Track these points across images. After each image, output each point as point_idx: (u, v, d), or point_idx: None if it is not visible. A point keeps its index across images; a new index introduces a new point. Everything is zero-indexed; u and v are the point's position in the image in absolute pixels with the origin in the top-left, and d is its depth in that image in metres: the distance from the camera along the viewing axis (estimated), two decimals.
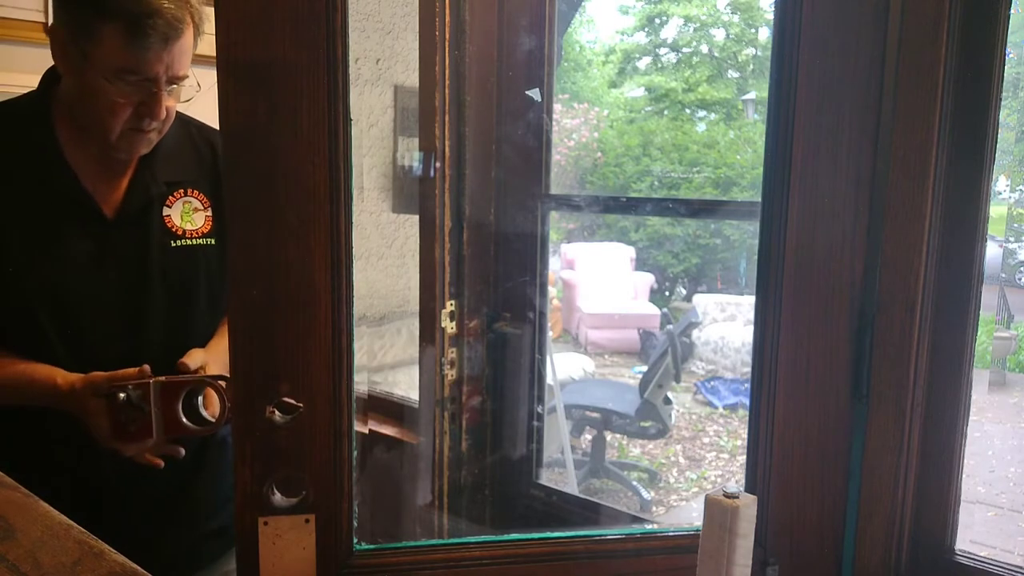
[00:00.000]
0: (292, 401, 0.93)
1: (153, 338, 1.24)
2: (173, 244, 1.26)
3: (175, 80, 1.16)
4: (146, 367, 1.12)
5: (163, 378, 1.09)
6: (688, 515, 4.25)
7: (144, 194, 1.24)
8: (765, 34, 10.44)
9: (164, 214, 1.26)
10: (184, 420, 0.99)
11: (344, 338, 0.93)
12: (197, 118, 1.34)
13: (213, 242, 1.29)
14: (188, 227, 1.27)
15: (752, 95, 9.97)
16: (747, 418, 1.05)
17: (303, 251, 0.91)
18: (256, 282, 0.90)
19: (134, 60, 1.11)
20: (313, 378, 0.93)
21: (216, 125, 0.91)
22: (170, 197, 1.27)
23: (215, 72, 0.88)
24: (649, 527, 1.29)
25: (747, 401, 1.06)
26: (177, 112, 1.25)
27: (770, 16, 1.01)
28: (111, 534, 0.76)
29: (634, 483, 4.37)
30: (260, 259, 0.90)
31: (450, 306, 1.60)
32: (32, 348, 1.18)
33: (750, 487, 1.04)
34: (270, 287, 0.91)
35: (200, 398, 1.14)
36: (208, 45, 0.93)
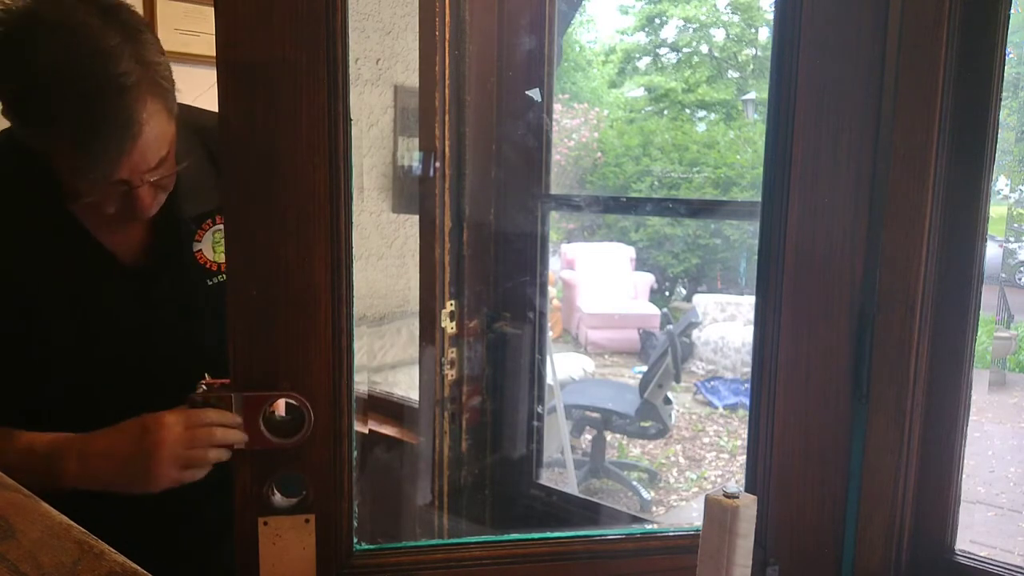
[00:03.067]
0: (292, 401, 0.93)
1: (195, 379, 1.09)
2: (210, 282, 1.14)
3: (151, 172, 1.02)
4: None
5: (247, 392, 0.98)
6: (688, 515, 4.25)
7: (171, 238, 1.12)
8: (765, 34, 10.43)
9: (195, 250, 1.14)
10: (266, 433, 0.95)
11: (344, 338, 0.93)
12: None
13: None
14: (222, 260, 1.13)
15: (752, 95, 9.97)
16: (747, 418, 1.05)
17: (303, 251, 0.91)
18: (255, 282, 0.90)
19: (93, 172, 0.98)
20: (313, 378, 0.93)
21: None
22: (199, 231, 1.14)
23: (215, 72, 0.88)
24: (649, 527, 1.29)
25: (747, 401, 1.06)
26: (191, 119, 1.11)
27: (770, 16, 1.01)
28: (113, 534, 0.76)
29: (634, 483, 4.37)
30: (260, 259, 0.90)
31: (450, 306, 1.60)
32: (24, 420, 1.04)
33: (750, 487, 1.04)
34: (270, 287, 0.91)
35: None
36: (208, 45, 0.92)
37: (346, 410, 0.94)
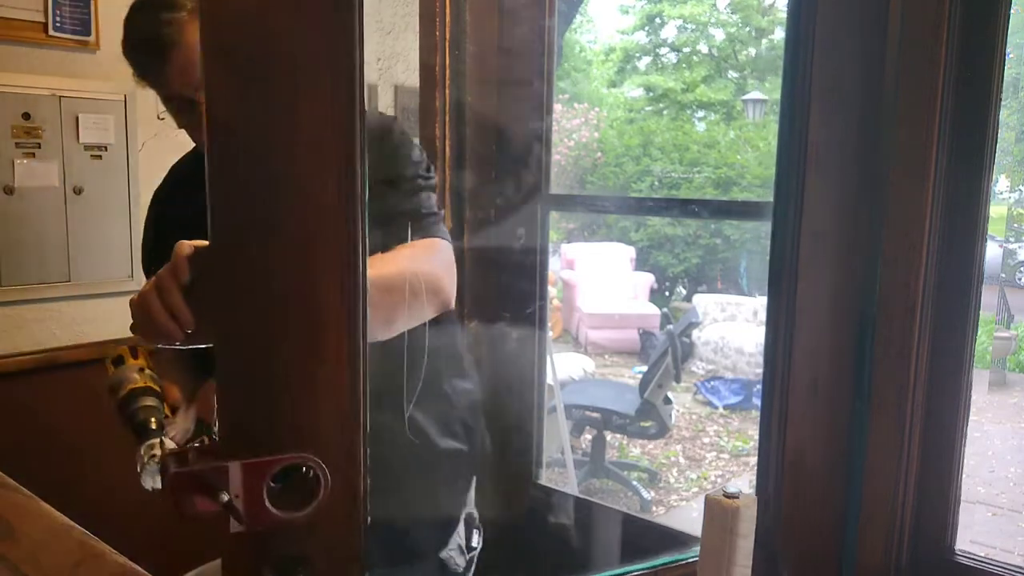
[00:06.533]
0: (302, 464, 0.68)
1: None
2: None
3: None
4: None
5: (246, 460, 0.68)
6: (688, 515, 4.25)
7: None
8: (764, 35, 10.43)
9: None
10: (272, 509, 0.68)
11: (360, 381, 0.70)
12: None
13: None
14: None
15: (752, 95, 9.96)
16: (747, 418, 1.05)
17: (310, 275, 0.67)
18: (253, 314, 0.67)
19: (152, 85, 1.11)
20: (323, 434, 0.70)
21: None
22: None
23: None
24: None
25: (747, 401, 1.06)
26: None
27: (769, 16, 1.01)
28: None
29: (634, 483, 4.37)
30: (258, 286, 0.67)
31: None
32: None
33: (762, 488, 1.04)
34: (269, 320, 0.67)
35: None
36: None
37: (363, 471, 0.71)
